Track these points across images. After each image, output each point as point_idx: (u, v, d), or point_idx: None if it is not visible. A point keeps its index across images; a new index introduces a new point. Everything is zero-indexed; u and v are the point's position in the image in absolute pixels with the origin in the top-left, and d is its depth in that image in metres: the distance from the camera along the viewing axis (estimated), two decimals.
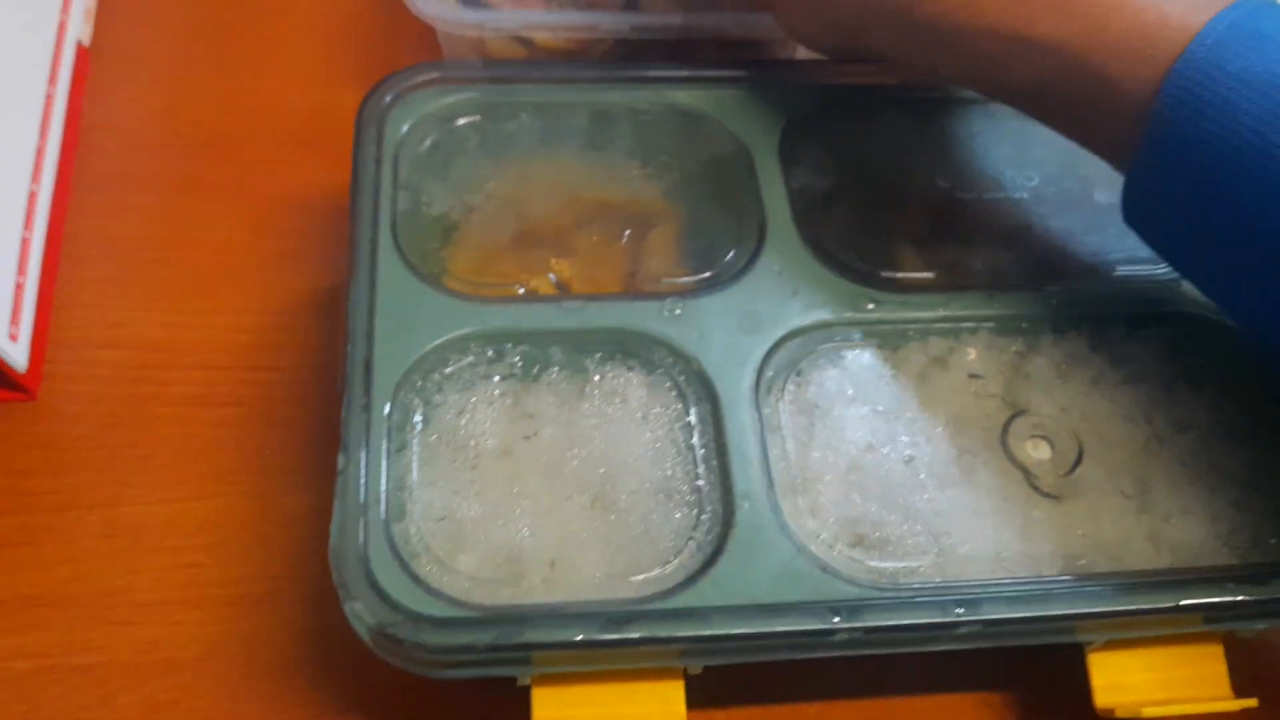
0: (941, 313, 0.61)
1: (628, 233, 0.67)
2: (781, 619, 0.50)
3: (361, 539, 0.50)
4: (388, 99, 0.65)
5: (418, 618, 0.48)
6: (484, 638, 0.48)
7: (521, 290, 0.63)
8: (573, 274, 0.66)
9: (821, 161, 0.69)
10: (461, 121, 0.67)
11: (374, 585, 0.49)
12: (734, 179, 0.67)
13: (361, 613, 0.48)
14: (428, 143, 0.65)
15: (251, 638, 0.58)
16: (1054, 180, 0.69)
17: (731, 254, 0.64)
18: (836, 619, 0.50)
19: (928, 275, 0.65)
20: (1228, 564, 0.55)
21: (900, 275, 0.64)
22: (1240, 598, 0.52)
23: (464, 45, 0.79)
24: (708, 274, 0.64)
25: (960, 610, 0.51)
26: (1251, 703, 0.54)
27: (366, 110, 0.64)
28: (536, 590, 0.52)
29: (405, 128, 0.64)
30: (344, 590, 0.49)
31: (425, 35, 0.78)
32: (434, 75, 0.66)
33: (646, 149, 0.69)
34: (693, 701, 0.52)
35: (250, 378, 0.67)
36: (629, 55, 0.81)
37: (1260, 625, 0.55)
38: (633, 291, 0.65)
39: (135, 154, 0.77)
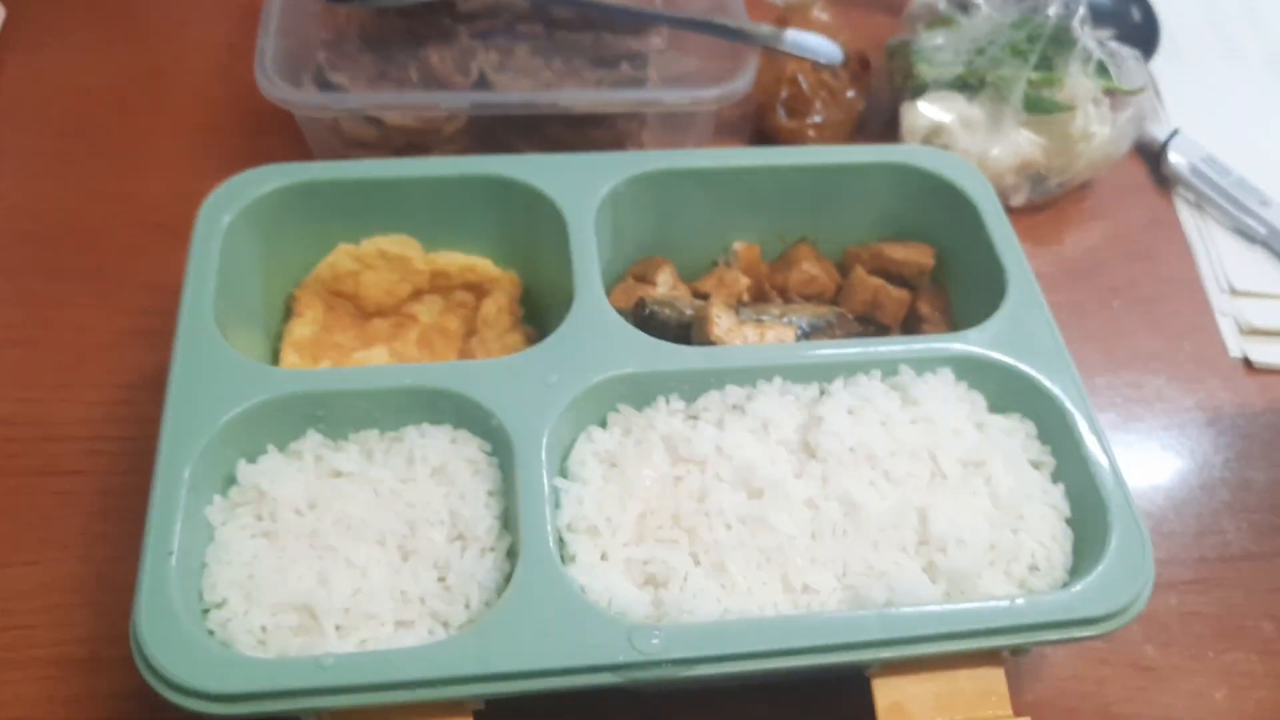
0: (741, 363, 0.64)
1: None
2: (558, 661, 0.52)
3: (159, 606, 0.52)
4: (223, 194, 0.68)
5: (201, 695, 0.50)
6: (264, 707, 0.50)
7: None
8: (400, 346, 0.70)
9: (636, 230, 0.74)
10: (290, 208, 0.70)
11: (161, 666, 0.50)
12: (555, 246, 0.70)
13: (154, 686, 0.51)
14: (258, 229, 0.69)
15: (70, 699, 0.60)
16: None
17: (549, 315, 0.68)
18: (604, 670, 0.52)
19: (741, 334, 0.67)
20: (1002, 590, 0.58)
21: (710, 333, 0.67)
22: (1006, 624, 0.54)
23: (320, 127, 0.83)
24: (529, 332, 0.67)
25: (730, 649, 0.53)
26: None
27: (205, 207, 0.67)
28: (330, 639, 0.54)
29: (228, 218, 0.67)
30: (145, 669, 0.51)
31: (285, 119, 0.82)
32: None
33: (476, 220, 0.73)
34: None
35: (95, 449, 0.70)
36: (481, 131, 0.85)
37: (1026, 646, 0.57)
38: (465, 359, 0.68)
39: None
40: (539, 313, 0.75)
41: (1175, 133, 0.92)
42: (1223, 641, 0.67)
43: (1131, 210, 0.91)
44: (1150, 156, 0.93)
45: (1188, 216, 0.90)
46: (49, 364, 0.74)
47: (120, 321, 0.76)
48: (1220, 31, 1.08)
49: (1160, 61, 0.99)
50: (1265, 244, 0.88)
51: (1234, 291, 0.85)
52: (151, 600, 0.52)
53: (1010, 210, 0.85)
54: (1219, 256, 0.87)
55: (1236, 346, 0.82)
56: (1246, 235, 0.89)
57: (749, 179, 0.74)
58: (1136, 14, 1.03)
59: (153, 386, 0.71)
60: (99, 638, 0.62)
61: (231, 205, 0.67)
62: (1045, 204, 0.89)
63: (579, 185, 0.71)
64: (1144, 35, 1.01)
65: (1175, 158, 0.92)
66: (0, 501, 0.67)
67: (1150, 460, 0.75)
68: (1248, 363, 0.81)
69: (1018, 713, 0.56)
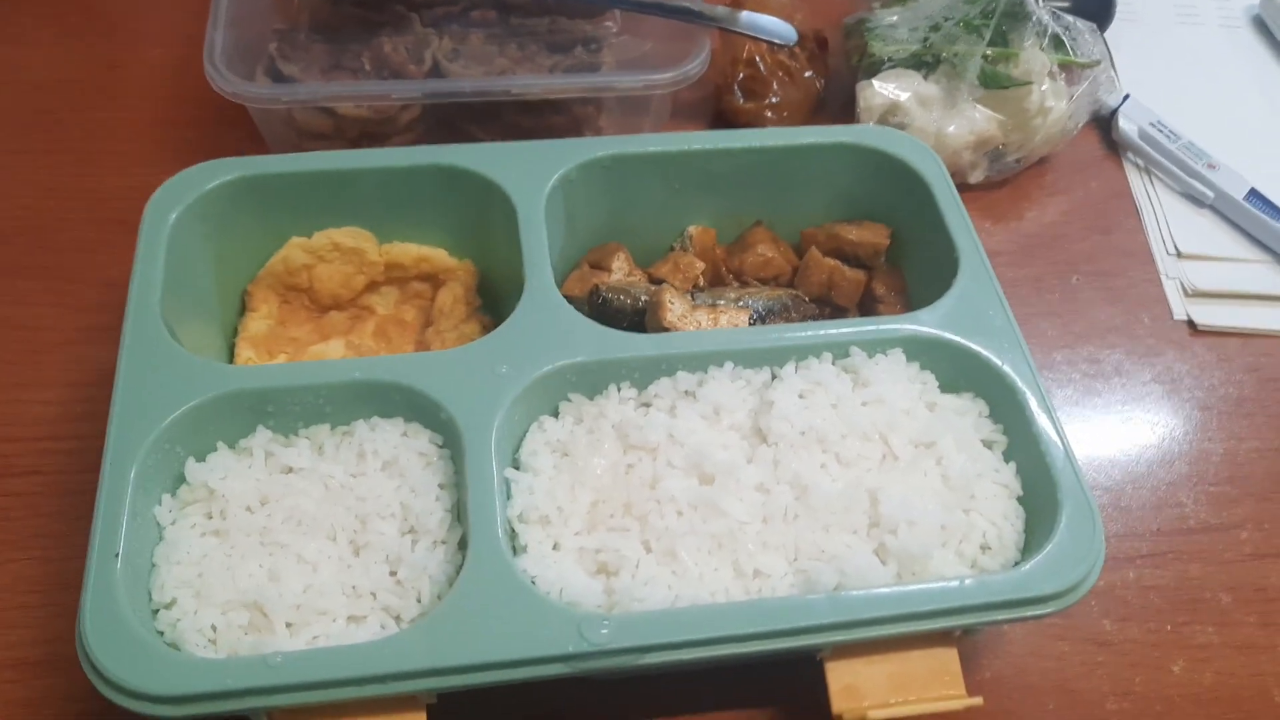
0: (691, 349, 0.64)
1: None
2: (507, 653, 0.52)
3: (106, 610, 0.52)
4: (169, 190, 0.68)
5: (148, 697, 0.50)
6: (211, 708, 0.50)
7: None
8: (357, 339, 0.71)
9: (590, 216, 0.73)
10: (240, 202, 0.69)
11: (107, 670, 0.50)
12: (507, 234, 0.69)
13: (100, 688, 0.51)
14: (207, 225, 0.68)
15: (25, 701, 0.60)
16: None
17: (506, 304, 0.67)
18: (554, 661, 0.52)
19: (694, 319, 0.67)
20: (953, 570, 0.58)
21: (663, 319, 0.67)
22: (956, 604, 0.55)
23: (274, 119, 0.83)
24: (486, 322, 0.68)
25: (680, 637, 0.53)
26: (978, 701, 0.56)
27: (151, 205, 0.67)
28: (281, 636, 0.54)
29: (175, 214, 0.66)
30: (91, 672, 0.51)
31: (242, 111, 0.82)
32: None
33: (430, 211, 0.72)
34: None
35: (52, 448, 0.70)
36: (437, 119, 0.85)
37: (977, 626, 0.57)
38: (422, 349, 0.69)
39: None
40: (497, 302, 0.75)
41: (1125, 98, 0.92)
42: (1180, 614, 0.67)
43: (1090, 183, 0.91)
44: (1102, 123, 0.93)
45: (1137, 182, 0.91)
46: (4, 363, 0.73)
47: (77, 319, 0.76)
48: None
49: (1116, 26, 0.98)
50: (1213, 207, 0.88)
51: (1180, 255, 0.85)
52: (97, 603, 0.52)
53: (969, 187, 0.86)
54: (1166, 220, 0.88)
55: (1181, 309, 0.82)
56: (1194, 200, 0.89)
57: (702, 162, 0.74)
58: None
59: (109, 384, 0.71)
60: (55, 639, 0.62)
61: (178, 201, 0.67)
62: (1004, 180, 0.89)
63: (529, 173, 0.70)
64: (1101, 4, 1.00)
65: (1125, 124, 0.92)
66: None
67: (1108, 435, 0.75)
68: (1191, 325, 0.81)
69: (974, 691, 0.56)
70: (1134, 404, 0.77)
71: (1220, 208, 0.88)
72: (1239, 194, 0.87)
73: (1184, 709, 0.64)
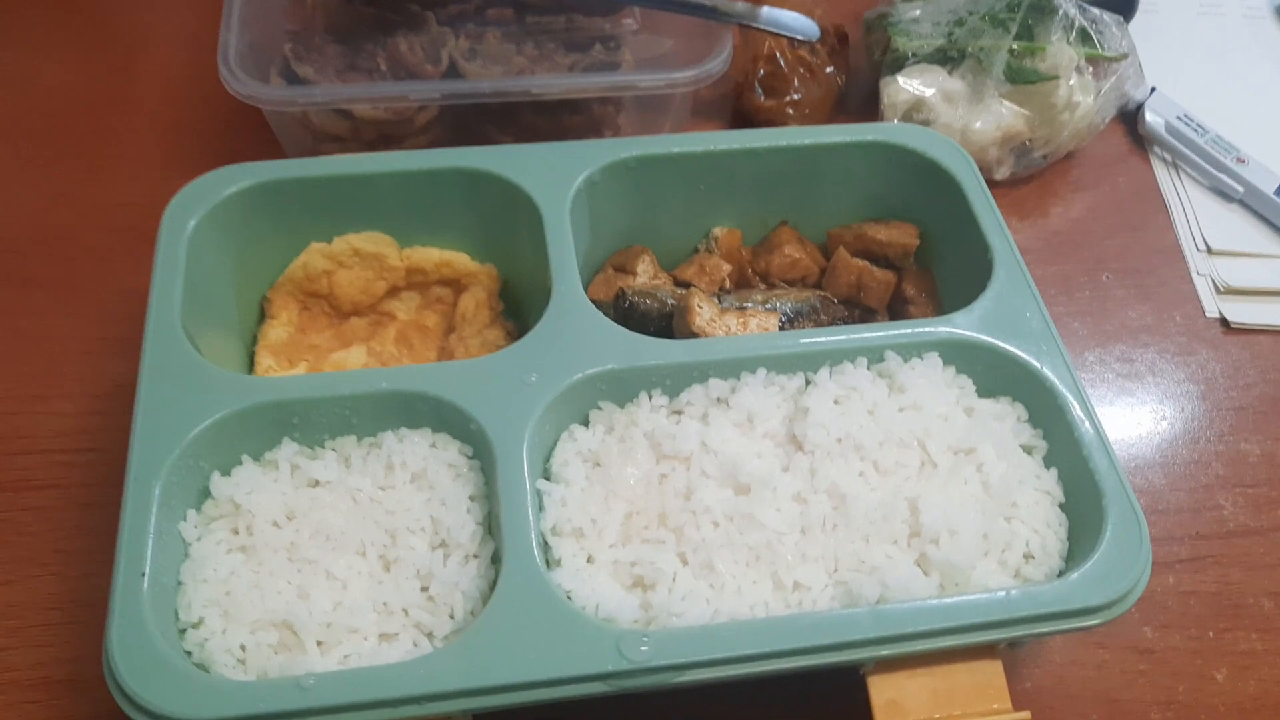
0: (724, 355, 0.63)
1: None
2: (545, 673, 0.51)
3: (133, 634, 0.51)
4: (186, 198, 0.66)
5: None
6: None
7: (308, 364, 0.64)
8: (378, 345, 0.69)
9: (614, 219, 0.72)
10: (258, 208, 0.68)
11: (136, 694, 0.49)
12: (531, 238, 0.68)
13: (129, 713, 0.49)
14: (225, 231, 0.67)
15: None
16: None
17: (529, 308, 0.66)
18: (593, 679, 0.51)
19: (724, 323, 0.66)
20: (996, 581, 0.57)
21: (693, 324, 0.66)
22: (1000, 617, 0.53)
23: (289, 121, 0.81)
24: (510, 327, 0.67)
25: (720, 653, 0.52)
26: (1025, 715, 0.55)
27: (168, 213, 0.65)
28: (312, 656, 0.53)
29: (193, 222, 0.65)
30: (119, 697, 0.50)
31: (256, 114, 0.80)
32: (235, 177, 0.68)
33: (451, 214, 0.71)
34: None
35: (69, 460, 0.68)
36: (454, 120, 0.83)
37: (1022, 639, 0.56)
38: (445, 356, 0.67)
39: None
40: (519, 305, 0.73)
41: (1152, 91, 0.91)
42: (1222, 620, 0.66)
43: (1118, 179, 0.89)
44: (1128, 117, 0.91)
45: (1164, 177, 0.89)
46: (20, 375, 0.72)
47: (92, 329, 0.75)
48: None
49: (1139, 20, 0.97)
50: (1243, 202, 0.87)
51: (1210, 251, 0.84)
52: (124, 624, 0.51)
53: (995, 183, 0.84)
54: (1195, 216, 0.86)
55: (1213, 306, 0.81)
56: (1223, 195, 0.87)
57: (727, 162, 0.73)
58: None
59: (126, 395, 0.69)
60: (78, 658, 0.61)
61: (196, 208, 0.66)
62: (1030, 176, 0.87)
63: (553, 175, 0.69)
64: None
65: (1152, 117, 0.90)
66: None
67: (1143, 436, 0.74)
68: (1224, 322, 0.80)
69: (1016, 703, 0.55)
70: (1168, 404, 0.76)
71: (1250, 202, 0.87)
72: (1269, 188, 0.85)
73: (1229, 719, 0.63)
